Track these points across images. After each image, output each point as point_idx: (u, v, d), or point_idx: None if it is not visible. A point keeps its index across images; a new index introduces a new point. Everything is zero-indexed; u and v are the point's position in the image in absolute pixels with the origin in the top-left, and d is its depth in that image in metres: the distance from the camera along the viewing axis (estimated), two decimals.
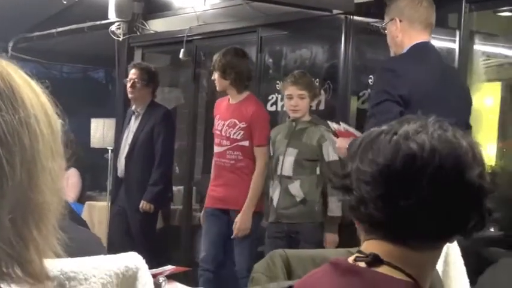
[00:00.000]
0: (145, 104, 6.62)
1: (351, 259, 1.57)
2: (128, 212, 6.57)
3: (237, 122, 5.56)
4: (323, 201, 5.17)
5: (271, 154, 5.39)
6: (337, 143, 4.46)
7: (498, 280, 5.18)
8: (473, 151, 1.52)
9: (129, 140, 6.60)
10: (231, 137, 5.58)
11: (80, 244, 1.33)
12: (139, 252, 2.19)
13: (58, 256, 1.25)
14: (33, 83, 1.23)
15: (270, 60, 6.44)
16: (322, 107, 5.78)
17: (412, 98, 3.74)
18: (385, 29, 4.03)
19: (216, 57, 5.66)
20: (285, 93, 5.29)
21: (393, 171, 1.49)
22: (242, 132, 5.54)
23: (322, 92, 5.78)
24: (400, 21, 3.91)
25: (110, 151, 7.66)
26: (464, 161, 1.49)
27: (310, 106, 5.28)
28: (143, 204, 6.36)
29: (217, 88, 5.77)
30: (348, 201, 1.57)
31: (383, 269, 1.51)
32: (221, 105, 5.79)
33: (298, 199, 5.16)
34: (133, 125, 6.65)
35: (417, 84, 3.80)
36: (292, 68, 6.02)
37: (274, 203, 5.26)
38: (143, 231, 6.54)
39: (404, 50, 3.94)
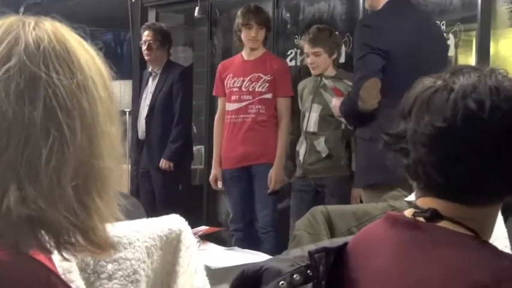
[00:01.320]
0: (161, 64, 6.62)
1: (407, 214, 1.54)
2: (151, 172, 6.61)
3: (262, 75, 5.59)
4: (348, 156, 5.18)
5: (300, 108, 5.43)
6: (333, 102, 4.67)
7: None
8: None
9: (148, 101, 6.60)
10: (256, 90, 5.59)
11: (128, 208, 1.31)
12: (164, 213, 2.18)
13: (119, 221, 1.24)
14: (88, 45, 1.20)
15: (288, 15, 6.36)
16: (342, 60, 5.73)
17: (391, 52, 4.02)
18: None
19: (250, 12, 5.62)
20: (304, 50, 5.33)
21: (452, 133, 1.44)
22: (267, 85, 5.57)
23: (342, 45, 5.73)
24: None
25: (127, 113, 7.64)
26: None
27: (334, 60, 5.26)
28: (163, 163, 6.41)
29: (254, 45, 5.66)
30: (405, 162, 1.53)
31: (443, 224, 1.49)
32: (232, 64, 5.80)
33: (323, 155, 5.18)
34: (151, 85, 6.65)
35: (395, 39, 4.06)
36: (311, 22, 5.95)
37: (301, 158, 5.30)
38: (165, 191, 6.57)
39: (381, 4, 4.16)
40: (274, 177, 5.48)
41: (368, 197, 4.17)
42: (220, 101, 5.88)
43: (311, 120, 5.23)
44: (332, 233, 2.29)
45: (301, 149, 5.30)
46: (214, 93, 5.96)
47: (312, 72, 5.30)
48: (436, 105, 1.47)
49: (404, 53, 4.06)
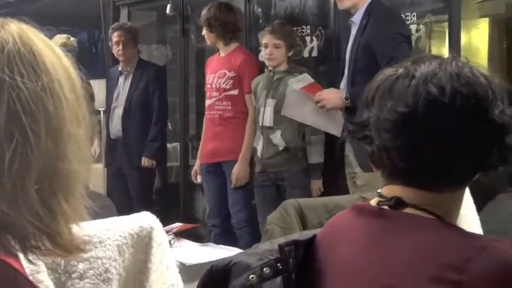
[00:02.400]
0: (133, 63, 6.66)
1: (373, 203, 1.56)
2: (126, 172, 6.61)
3: (226, 71, 5.65)
4: (304, 148, 5.24)
5: (254, 105, 5.46)
6: (322, 95, 4.62)
7: (499, 215, 5.23)
8: (492, 87, 1.49)
9: (122, 100, 6.61)
10: (221, 87, 5.65)
11: (99, 208, 1.31)
12: (139, 212, 2.18)
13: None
14: (55, 46, 1.19)
15: (259, 10, 6.36)
16: (315, 53, 5.75)
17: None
18: None
19: (203, 12, 5.75)
20: (262, 42, 5.34)
21: (415, 118, 1.45)
22: (231, 82, 5.62)
23: (314, 38, 5.76)
24: None
25: (101, 112, 7.62)
26: (485, 100, 1.47)
27: (289, 56, 5.31)
28: (145, 161, 6.41)
29: (207, 42, 5.87)
30: (369, 149, 1.55)
31: (408, 211, 1.50)
32: (212, 62, 5.89)
33: (280, 148, 5.22)
34: (123, 85, 6.67)
35: None
36: (282, 17, 5.96)
37: (259, 153, 5.34)
38: (142, 190, 6.58)
39: (364, 5, 4.43)
40: (236, 173, 5.52)
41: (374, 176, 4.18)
42: None
43: (266, 114, 5.26)
44: (304, 226, 2.30)
45: (259, 144, 5.34)
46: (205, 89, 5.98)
47: (268, 63, 5.32)
48: (398, 92, 1.48)
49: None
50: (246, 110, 5.61)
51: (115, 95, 6.69)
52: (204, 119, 5.87)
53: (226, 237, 5.61)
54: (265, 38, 5.29)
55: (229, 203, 5.69)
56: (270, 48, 5.24)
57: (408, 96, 1.47)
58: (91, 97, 6.17)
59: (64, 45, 6.09)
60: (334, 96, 4.56)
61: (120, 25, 6.82)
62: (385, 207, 1.51)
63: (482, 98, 1.47)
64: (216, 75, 5.70)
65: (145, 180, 6.61)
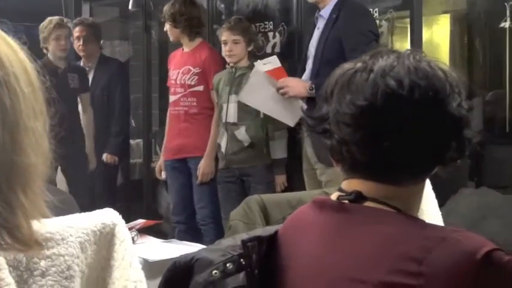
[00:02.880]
0: (95, 59, 6.64)
1: (333, 197, 1.56)
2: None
3: (191, 68, 5.63)
4: (267, 143, 5.25)
5: (216, 101, 5.45)
6: (286, 81, 4.60)
7: (460, 209, 5.29)
8: (449, 80, 1.51)
9: None
10: (186, 83, 5.63)
11: (55, 204, 1.29)
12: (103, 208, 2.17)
13: (46, 218, 1.22)
14: (10, 40, 1.18)
15: (222, 5, 6.36)
16: (277, 49, 5.75)
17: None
18: None
19: (165, 8, 5.72)
20: (221, 39, 5.34)
21: (374, 111, 1.47)
22: (196, 78, 5.61)
23: (277, 34, 5.76)
24: None
25: None
26: (443, 93, 1.48)
27: (249, 51, 5.32)
28: (107, 157, 6.39)
29: (170, 39, 5.85)
30: (329, 143, 1.55)
31: (368, 205, 1.51)
32: (175, 57, 5.87)
33: (245, 144, 5.21)
34: None
35: None
36: (245, 12, 5.96)
37: (223, 149, 5.33)
38: (105, 186, 6.57)
39: (333, 1, 4.47)
40: (202, 168, 5.51)
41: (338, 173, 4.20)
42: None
43: (230, 111, 5.25)
44: (267, 222, 2.30)
45: (222, 140, 5.32)
46: (167, 84, 5.96)
47: (228, 60, 5.32)
48: (356, 85, 1.50)
49: None
50: (211, 106, 5.60)
51: None
52: (168, 115, 5.85)
53: (191, 234, 5.59)
54: (224, 35, 5.29)
55: (194, 199, 5.67)
56: (230, 44, 5.24)
57: (367, 90, 1.48)
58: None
59: (60, 26, 6.17)
60: (299, 84, 4.55)
61: (81, 20, 6.77)
62: (346, 201, 1.52)
63: (440, 91, 1.48)
64: (181, 71, 5.67)
65: (108, 177, 6.59)
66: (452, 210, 5.25)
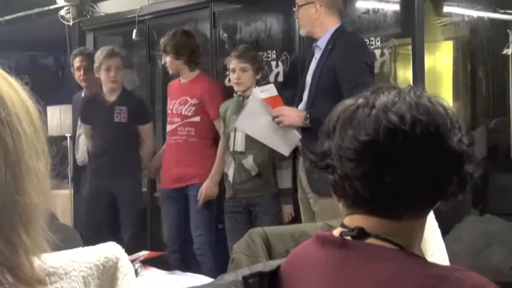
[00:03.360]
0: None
1: (336, 233, 1.56)
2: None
3: (189, 98, 5.68)
4: (275, 173, 5.24)
5: (223, 130, 5.46)
6: (282, 110, 4.57)
7: (465, 237, 5.28)
8: (450, 116, 1.52)
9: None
10: (182, 113, 5.68)
11: (62, 240, 1.30)
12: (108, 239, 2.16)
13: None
14: (13, 80, 1.19)
15: (225, 35, 6.39)
16: (280, 78, 5.77)
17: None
18: (296, 7, 4.62)
19: (165, 40, 5.77)
20: (229, 67, 5.35)
21: (377, 146, 1.47)
22: (193, 109, 5.66)
23: (279, 63, 5.78)
24: (320, 5, 4.52)
25: (68, 138, 7.58)
26: (444, 128, 1.49)
27: (257, 80, 5.31)
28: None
29: (170, 71, 5.89)
30: (331, 178, 1.55)
31: (370, 241, 1.51)
32: (172, 87, 5.93)
33: (253, 173, 5.21)
34: None
35: None
36: (248, 42, 5.99)
37: (230, 178, 5.32)
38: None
39: (328, 32, 4.49)
40: (204, 189, 5.55)
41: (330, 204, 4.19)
42: None
43: (237, 139, 5.25)
44: (270, 255, 2.29)
45: (230, 169, 5.32)
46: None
47: (236, 88, 5.32)
48: (358, 121, 1.50)
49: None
50: (209, 136, 5.66)
51: (79, 122, 6.62)
52: (165, 144, 5.90)
53: (185, 262, 5.66)
54: (232, 63, 5.29)
55: (191, 227, 5.68)
56: (238, 72, 5.24)
57: (369, 125, 1.48)
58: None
59: (111, 56, 6.03)
60: (295, 114, 4.53)
61: (81, 50, 6.77)
62: (348, 237, 1.52)
63: (441, 126, 1.49)
64: (178, 101, 5.73)
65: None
66: (456, 238, 5.24)
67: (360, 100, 1.54)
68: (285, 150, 4.71)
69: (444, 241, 4.21)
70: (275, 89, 4.77)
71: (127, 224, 6.10)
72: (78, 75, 6.57)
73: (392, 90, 1.54)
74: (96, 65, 6.14)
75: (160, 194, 5.93)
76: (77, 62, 6.56)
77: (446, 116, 1.51)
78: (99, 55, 6.13)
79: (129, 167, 6.06)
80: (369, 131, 1.48)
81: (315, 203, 4.41)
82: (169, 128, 5.79)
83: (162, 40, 5.80)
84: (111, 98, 6.11)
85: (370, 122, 1.48)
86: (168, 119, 5.81)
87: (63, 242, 1.33)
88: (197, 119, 5.66)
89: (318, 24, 4.53)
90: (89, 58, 6.53)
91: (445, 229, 5.05)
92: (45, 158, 1.19)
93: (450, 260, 2.73)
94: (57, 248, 1.26)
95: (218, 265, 5.40)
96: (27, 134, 1.15)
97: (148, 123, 6.17)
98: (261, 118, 4.70)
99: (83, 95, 6.65)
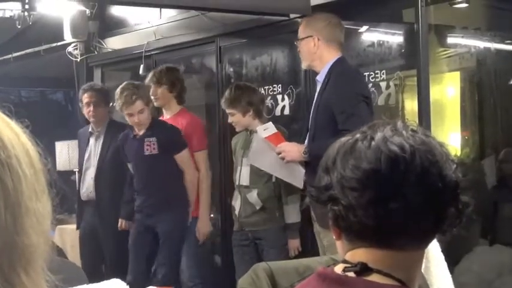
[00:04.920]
0: (105, 124, 6.56)
1: (338, 269, 1.57)
2: (101, 233, 6.45)
3: None
4: (281, 207, 5.24)
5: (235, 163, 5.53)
6: (282, 147, 4.60)
7: (475, 267, 5.26)
8: (443, 148, 1.55)
9: (95, 161, 6.51)
10: None
11: (66, 279, 1.30)
12: (112, 274, 2.16)
13: None
14: (12, 123, 1.20)
15: (231, 69, 6.43)
16: (286, 112, 5.79)
17: (369, 100, 4.45)
18: (299, 42, 4.65)
19: (159, 72, 5.96)
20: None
21: (379, 174, 1.49)
22: None
23: (285, 97, 5.81)
24: (318, 39, 4.55)
25: (76, 173, 7.61)
26: (440, 159, 1.52)
27: (253, 116, 5.27)
28: (122, 223, 6.18)
29: (157, 103, 5.99)
30: (334, 211, 1.56)
31: (372, 277, 1.52)
32: None
33: (257, 207, 5.24)
34: (94, 145, 6.57)
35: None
36: (254, 75, 6.03)
37: (236, 212, 5.38)
38: (117, 252, 6.39)
39: (327, 65, 4.51)
40: (200, 229, 5.69)
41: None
42: None
43: (243, 174, 5.31)
44: None
45: (236, 203, 5.38)
46: None
47: (236, 129, 5.41)
48: (359, 151, 1.53)
49: (370, 102, 4.51)
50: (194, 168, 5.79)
51: (86, 156, 6.59)
52: None
53: None
54: (222, 105, 5.43)
55: (184, 260, 5.79)
56: (229, 117, 5.34)
57: (370, 155, 1.51)
58: None
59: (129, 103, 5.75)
60: (294, 149, 4.55)
61: (91, 86, 6.74)
62: (351, 273, 1.53)
63: (438, 155, 1.52)
64: None
65: (120, 243, 6.32)
66: (466, 269, 5.22)
67: (358, 135, 1.57)
68: (299, 183, 4.72)
69: (454, 272, 4.20)
70: (274, 127, 4.81)
71: (161, 262, 5.81)
72: (87, 111, 6.51)
73: (387, 125, 1.57)
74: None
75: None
76: (85, 98, 6.51)
77: (440, 147, 1.55)
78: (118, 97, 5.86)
79: (169, 200, 5.79)
80: (371, 160, 1.50)
81: (324, 236, 4.41)
82: None
83: (156, 71, 5.97)
84: (141, 131, 5.89)
85: (371, 152, 1.51)
86: None
87: (67, 281, 1.34)
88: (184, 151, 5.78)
89: (317, 58, 4.57)
90: (98, 93, 6.54)
91: (455, 260, 5.05)
92: (45, 199, 1.20)
93: None
94: (64, 285, 1.26)
95: None
96: (27, 176, 1.16)
97: (182, 151, 5.87)
98: (269, 154, 4.73)
99: (89, 129, 6.63)
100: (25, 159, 1.17)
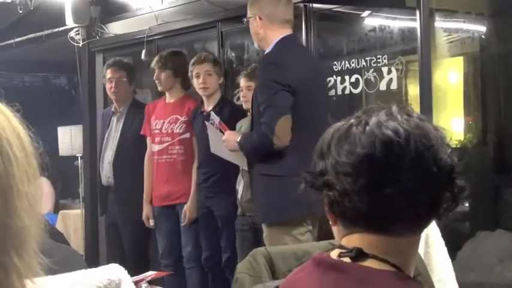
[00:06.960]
0: (127, 103, 6.33)
1: (334, 254, 1.56)
2: (119, 222, 6.23)
3: (179, 116, 5.81)
4: None
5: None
6: (224, 136, 4.63)
7: (477, 252, 5.26)
8: (438, 132, 1.55)
9: (114, 144, 6.23)
10: (174, 131, 5.80)
11: (60, 262, 1.30)
12: (133, 265, 2.15)
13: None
14: (3, 107, 1.20)
15: (233, 54, 6.43)
16: None
17: (296, 88, 4.19)
18: (247, 22, 4.53)
19: (165, 55, 5.95)
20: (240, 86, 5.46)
21: (374, 159, 1.49)
22: (184, 126, 5.80)
23: None
24: (260, 18, 4.41)
25: (79, 158, 7.62)
26: (436, 143, 1.52)
27: None
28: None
29: (161, 87, 5.98)
30: (329, 197, 1.55)
31: (368, 263, 1.52)
32: (156, 107, 6.03)
33: None
34: (115, 126, 6.30)
35: (298, 75, 4.24)
36: (255, 60, 6.01)
37: (239, 196, 5.40)
38: (137, 243, 6.19)
39: (272, 44, 4.37)
40: (188, 213, 5.71)
41: (275, 234, 4.25)
42: (148, 141, 6.03)
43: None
44: (273, 274, 2.29)
45: (240, 187, 5.39)
46: (141, 133, 6.06)
47: (244, 106, 5.41)
48: (354, 136, 1.53)
49: (305, 87, 4.25)
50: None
51: (105, 137, 6.31)
52: (150, 163, 5.96)
53: (178, 277, 5.77)
54: (241, 82, 5.38)
55: (182, 240, 5.84)
56: (244, 91, 5.33)
57: (365, 139, 1.51)
58: None
59: (199, 63, 5.56)
60: (232, 138, 4.55)
61: (115, 61, 6.49)
62: (346, 259, 1.52)
63: (433, 139, 1.52)
64: (167, 120, 5.84)
65: (139, 233, 6.14)
66: (469, 254, 5.22)
67: (352, 120, 1.57)
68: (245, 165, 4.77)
69: (456, 257, 4.19)
70: (216, 116, 4.96)
71: (227, 245, 5.61)
72: (109, 87, 6.29)
73: (382, 110, 1.57)
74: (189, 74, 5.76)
75: (152, 211, 5.97)
76: (108, 73, 6.29)
77: (435, 131, 1.54)
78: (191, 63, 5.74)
79: (226, 180, 5.53)
80: (365, 144, 1.50)
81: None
82: (157, 147, 5.88)
83: (161, 55, 5.95)
84: (209, 106, 5.62)
85: (365, 137, 1.51)
86: (156, 139, 5.89)
87: (60, 264, 1.33)
88: (187, 135, 5.79)
89: (263, 38, 4.45)
90: (122, 70, 6.33)
91: (457, 245, 5.05)
92: (36, 182, 1.20)
93: (464, 277, 2.73)
94: (54, 269, 1.26)
95: (204, 280, 5.70)
96: (18, 159, 1.16)
97: None
98: (220, 141, 4.75)
99: (112, 109, 6.35)
100: (16, 142, 1.17)
